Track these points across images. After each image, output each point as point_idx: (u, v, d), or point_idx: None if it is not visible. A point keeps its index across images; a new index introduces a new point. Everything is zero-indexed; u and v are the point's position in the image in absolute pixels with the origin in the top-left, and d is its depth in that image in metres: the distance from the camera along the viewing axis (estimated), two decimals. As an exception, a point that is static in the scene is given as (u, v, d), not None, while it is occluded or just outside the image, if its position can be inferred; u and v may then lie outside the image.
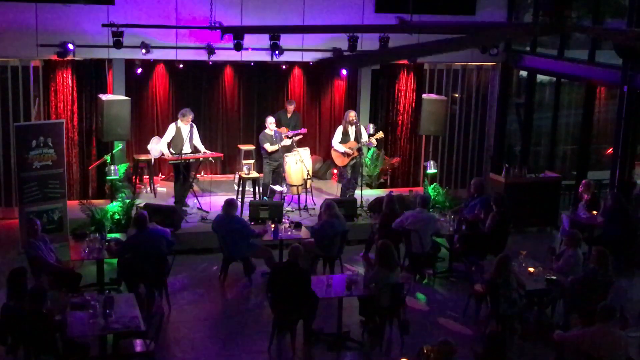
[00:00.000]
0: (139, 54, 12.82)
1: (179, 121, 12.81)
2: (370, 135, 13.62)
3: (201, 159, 13.07)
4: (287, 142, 13.38)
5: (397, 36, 12.56)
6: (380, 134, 13.79)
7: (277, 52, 13.00)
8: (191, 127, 12.81)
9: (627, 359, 7.49)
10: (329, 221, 10.72)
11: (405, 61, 14.31)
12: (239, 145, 14.93)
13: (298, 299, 8.74)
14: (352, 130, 13.27)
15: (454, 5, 14.20)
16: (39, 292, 7.53)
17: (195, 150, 12.92)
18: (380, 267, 8.96)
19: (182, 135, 12.75)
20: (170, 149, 12.75)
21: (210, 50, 12.93)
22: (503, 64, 15.18)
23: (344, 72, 14.86)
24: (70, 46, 12.32)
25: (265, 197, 13.16)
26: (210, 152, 13.21)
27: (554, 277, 9.34)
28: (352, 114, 13.32)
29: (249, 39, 12.60)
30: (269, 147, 13.14)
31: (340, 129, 13.37)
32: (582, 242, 10.13)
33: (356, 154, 13.31)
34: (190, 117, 12.78)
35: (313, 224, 11.43)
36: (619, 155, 12.31)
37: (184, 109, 12.97)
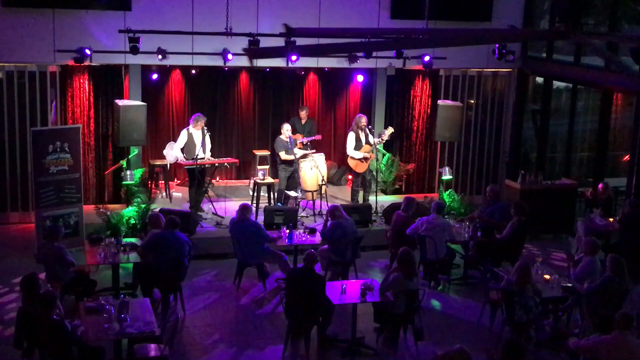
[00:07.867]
0: (155, 60, 12.87)
1: (190, 127, 12.86)
2: (380, 135, 13.48)
3: (216, 164, 13.11)
4: (299, 152, 13.37)
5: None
6: (390, 129, 13.45)
7: (293, 57, 12.95)
8: (203, 132, 12.84)
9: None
10: (337, 222, 10.64)
11: (420, 67, 14.27)
12: (254, 151, 14.95)
13: (313, 305, 8.74)
14: (362, 135, 13.25)
15: (470, 12, 14.15)
16: (50, 298, 7.54)
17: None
18: (401, 274, 8.90)
19: (195, 140, 12.79)
20: (184, 155, 12.81)
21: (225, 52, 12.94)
22: (519, 70, 15.12)
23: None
24: (88, 52, 12.37)
25: (279, 203, 13.17)
26: (225, 158, 13.23)
27: (569, 285, 9.30)
28: (363, 120, 13.24)
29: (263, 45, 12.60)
30: (283, 155, 13.16)
31: (352, 136, 13.28)
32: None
33: (373, 156, 13.29)
34: (202, 122, 12.81)
35: (325, 229, 11.39)
36: (636, 162, 12.23)
37: (196, 114, 13.04)
